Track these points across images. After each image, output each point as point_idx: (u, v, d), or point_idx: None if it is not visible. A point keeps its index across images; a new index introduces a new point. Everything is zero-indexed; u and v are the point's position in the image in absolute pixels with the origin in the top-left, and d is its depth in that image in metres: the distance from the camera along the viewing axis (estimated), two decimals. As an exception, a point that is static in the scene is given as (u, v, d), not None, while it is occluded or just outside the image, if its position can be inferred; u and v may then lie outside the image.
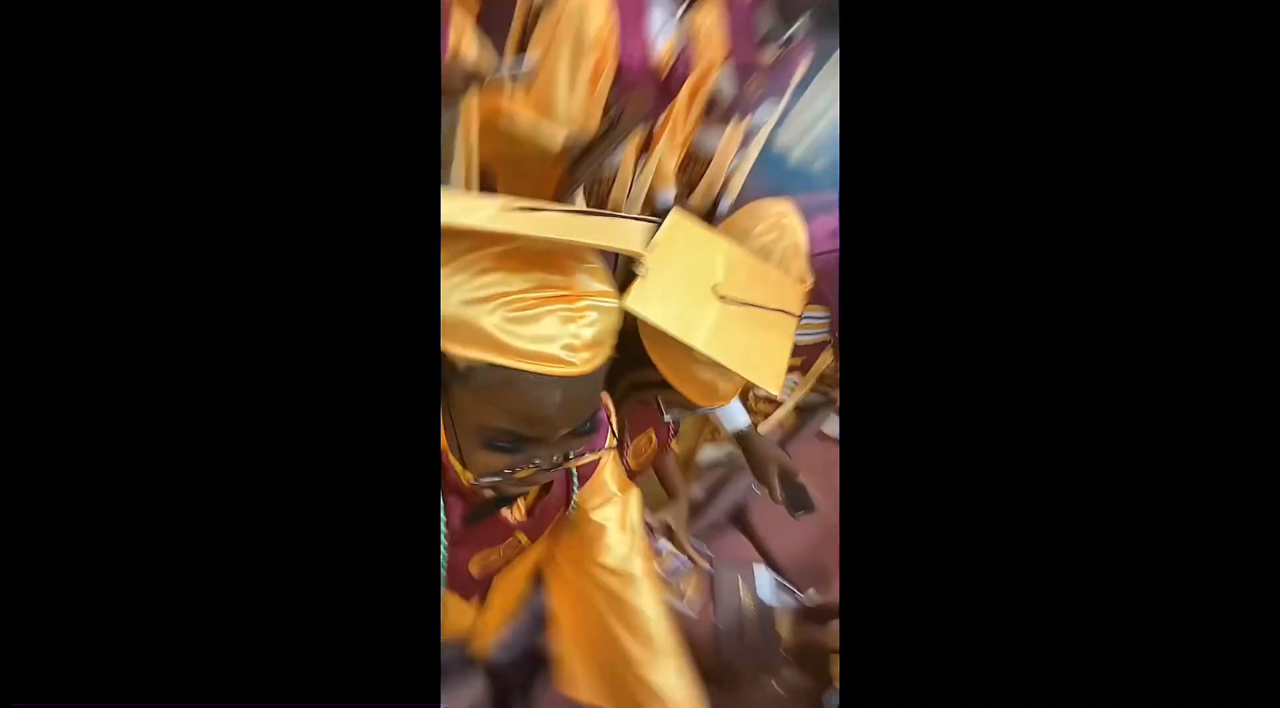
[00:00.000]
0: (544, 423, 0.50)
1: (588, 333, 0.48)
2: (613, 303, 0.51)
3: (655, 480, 1.20)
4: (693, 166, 1.67)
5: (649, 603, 0.74)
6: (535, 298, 0.47)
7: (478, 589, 0.77)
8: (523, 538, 0.73)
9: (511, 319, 0.47)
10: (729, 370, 0.76)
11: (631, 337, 0.82)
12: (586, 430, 0.54)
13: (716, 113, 1.61)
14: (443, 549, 0.63)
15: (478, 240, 0.48)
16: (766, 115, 1.69)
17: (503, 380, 0.48)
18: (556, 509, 0.74)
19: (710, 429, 1.35)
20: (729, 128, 1.64)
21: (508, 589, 0.80)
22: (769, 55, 1.58)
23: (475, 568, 0.71)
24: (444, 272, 0.48)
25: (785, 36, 1.53)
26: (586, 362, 0.49)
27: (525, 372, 0.47)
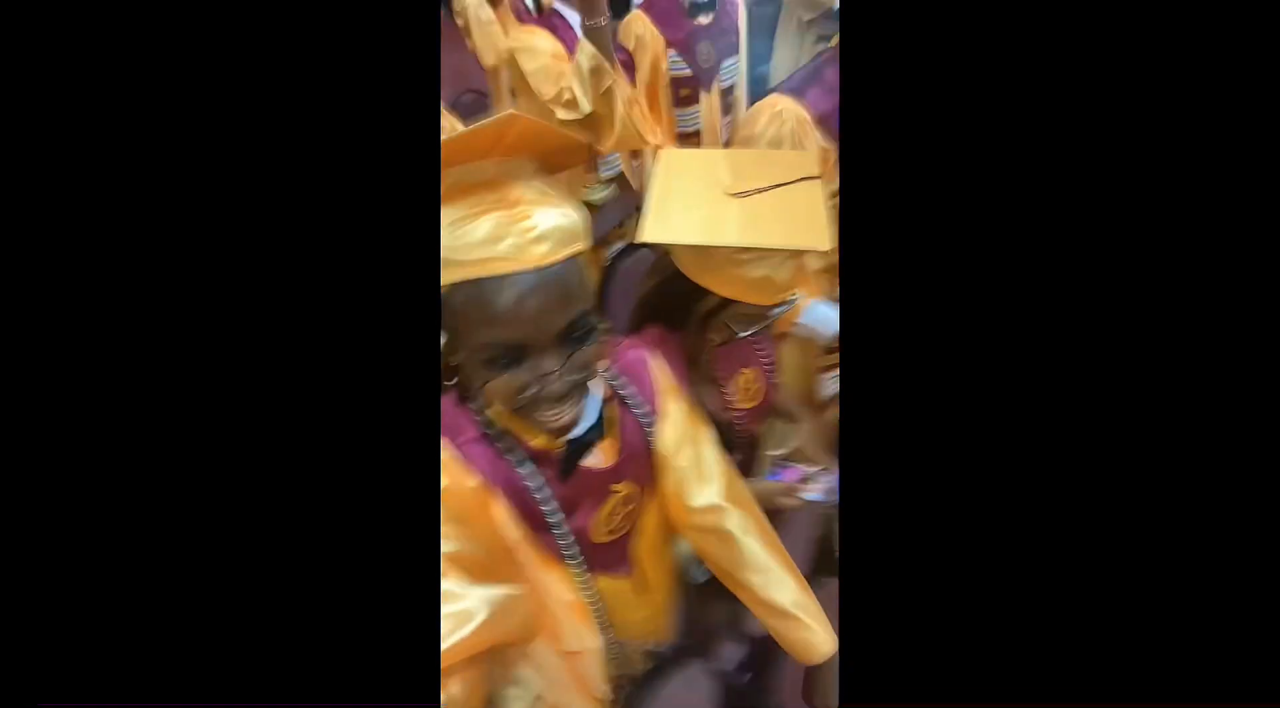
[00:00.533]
0: (526, 324, 0.53)
1: (536, 228, 0.52)
2: (558, 204, 0.55)
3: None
4: (689, 144, 1.75)
5: (738, 527, 0.75)
6: (475, 211, 0.52)
7: (622, 561, 0.77)
8: (626, 489, 0.72)
9: (459, 236, 0.51)
10: (775, 256, 0.76)
11: (676, 274, 0.83)
12: (582, 335, 0.56)
13: (685, 94, 1.69)
14: (561, 525, 0.66)
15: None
16: (732, 73, 1.75)
17: (474, 295, 0.52)
18: (643, 449, 0.74)
19: (820, 358, 1.31)
20: (704, 100, 1.71)
21: (655, 557, 0.80)
22: (704, 19, 1.65)
23: (601, 535, 0.71)
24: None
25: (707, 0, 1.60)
26: (543, 256, 0.52)
27: (488, 279, 0.51)
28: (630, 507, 0.74)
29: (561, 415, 0.59)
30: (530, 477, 0.65)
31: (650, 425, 0.74)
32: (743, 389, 1.02)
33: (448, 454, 0.62)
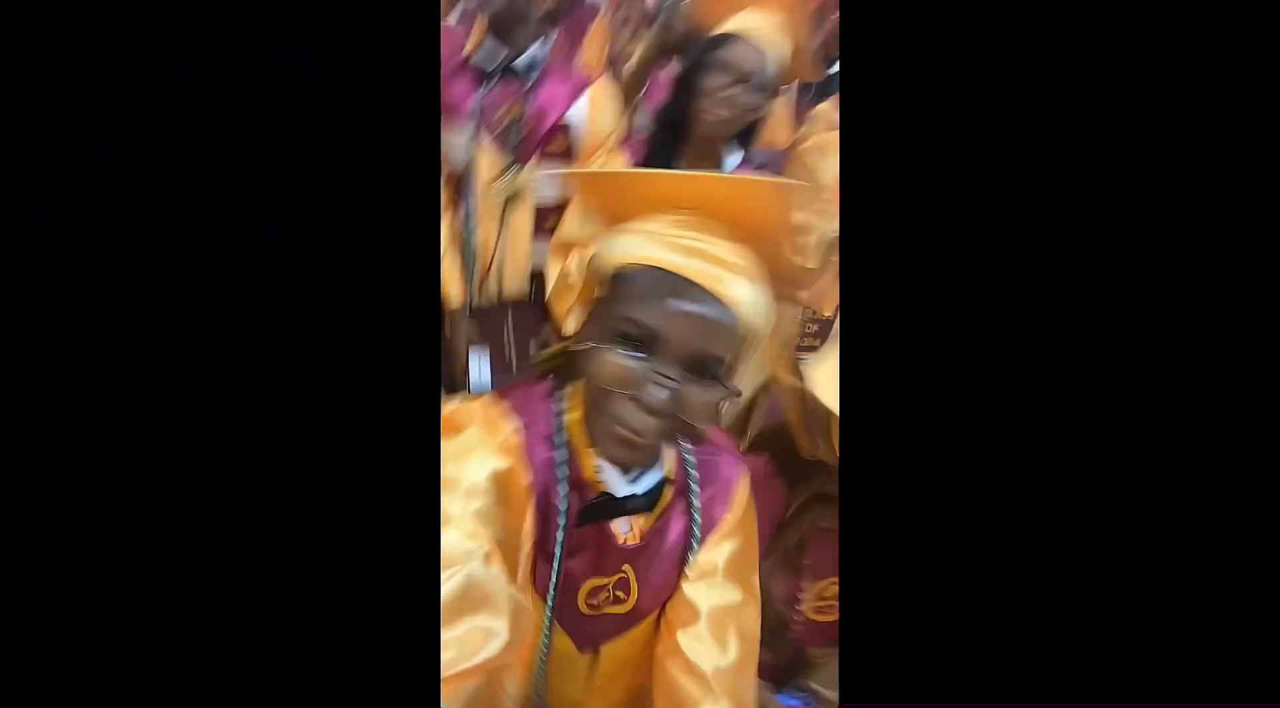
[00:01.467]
0: (670, 320, 0.55)
1: (729, 279, 0.57)
2: (760, 285, 0.59)
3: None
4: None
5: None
6: (688, 236, 0.58)
7: (590, 641, 0.70)
8: (630, 574, 0.68)
9: (671, 235, 0.58)
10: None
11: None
12: (708, 375, 0.57)
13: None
14: (557, 567, 0.64)
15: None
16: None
17: (659, 279, 0.56)
18: (674, 551, 0.69)
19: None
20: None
21: (623, 675, 0.72)
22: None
23: (582, 600, 0.67)
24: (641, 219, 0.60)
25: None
26: (721, 291, 0.56)
27: (676, 276, 0.56)
28: (618, 595, 0.69)
29: (637, 429, 0.57)
30: (564, 500, 0.63)
31: (698, 537, 0.68)
32: (818, 596, 0.90)
33: (516, 438, 0.62)
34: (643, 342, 0.55)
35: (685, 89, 1.18)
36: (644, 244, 0.58)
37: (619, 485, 0.64)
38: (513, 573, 0.59)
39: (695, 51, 1.20)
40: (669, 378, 0.55)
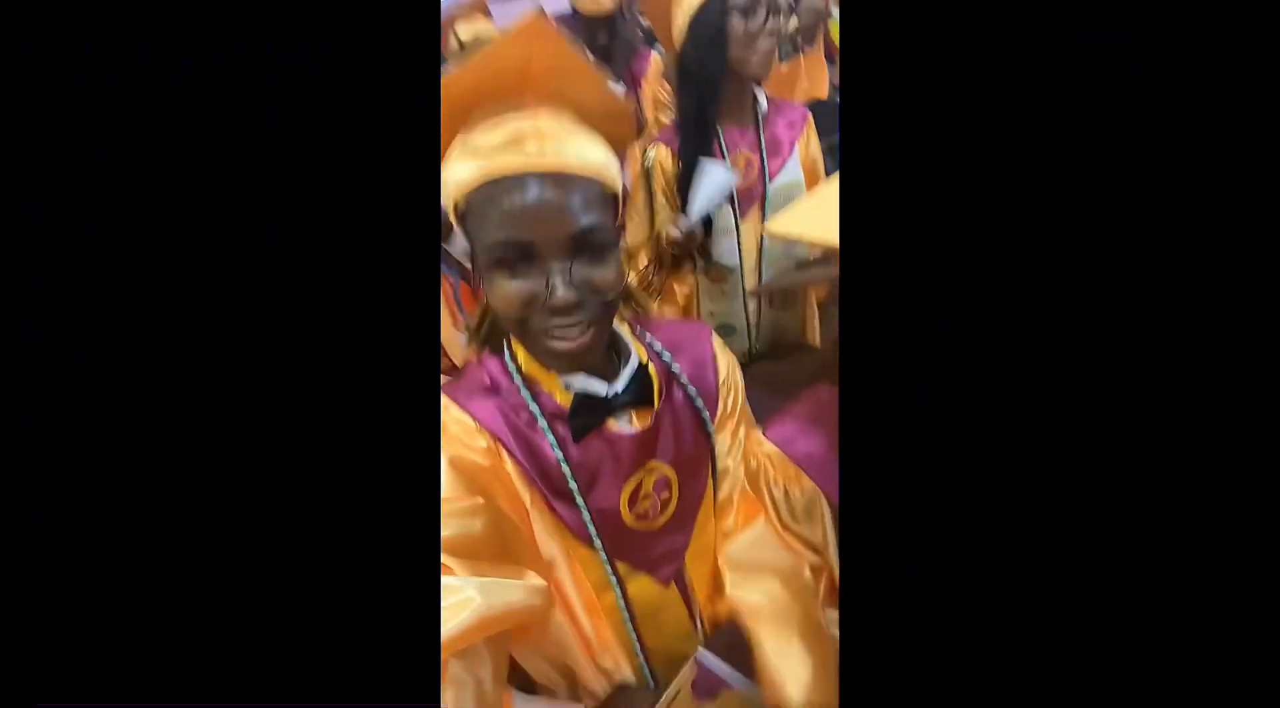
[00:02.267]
0: (536, 225, 0.53)
1: (562, 143, 0.55)
2: (595, 142, 0.57)
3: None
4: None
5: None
6: (503, 121, 0.56)
7: (664, 563, 0.67)
8: (662, 468, 0.65)
9: (481, 136, 0.55)
10: None
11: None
12: (594, 249, 0.55)
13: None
14: (580, 502, 0.62)
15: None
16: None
17: (492, 194, 0.54)
18: (692, 429, 0.67)
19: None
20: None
21: (709, 576, 0.70)
22: None
23: (627, 513, 0.64)
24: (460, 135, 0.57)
25: None
26: (564, 164, 0.54)
27: (506, 177, 0.54)
28: (666, 495, 0.66)
29: (569, 333, 0.56)
30: (548, 432, 0.61)
31: (703, 406, 0.67)
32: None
33: (451, 413, 0.60)
34: (520, 255, 0.54)
35: (718, 46, 1.16)
36: (465, 167, 0.56)
37: (600, 390, 0.63)
38: (505, 549, 0.57)
39: (712, 14, 1.17)
40: (560, 273, 0.54)
